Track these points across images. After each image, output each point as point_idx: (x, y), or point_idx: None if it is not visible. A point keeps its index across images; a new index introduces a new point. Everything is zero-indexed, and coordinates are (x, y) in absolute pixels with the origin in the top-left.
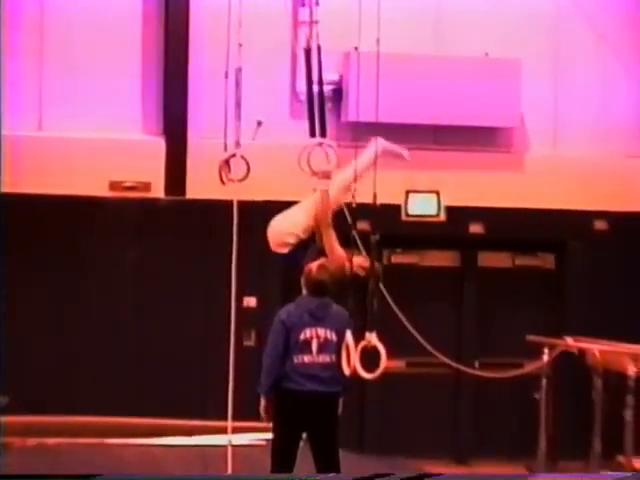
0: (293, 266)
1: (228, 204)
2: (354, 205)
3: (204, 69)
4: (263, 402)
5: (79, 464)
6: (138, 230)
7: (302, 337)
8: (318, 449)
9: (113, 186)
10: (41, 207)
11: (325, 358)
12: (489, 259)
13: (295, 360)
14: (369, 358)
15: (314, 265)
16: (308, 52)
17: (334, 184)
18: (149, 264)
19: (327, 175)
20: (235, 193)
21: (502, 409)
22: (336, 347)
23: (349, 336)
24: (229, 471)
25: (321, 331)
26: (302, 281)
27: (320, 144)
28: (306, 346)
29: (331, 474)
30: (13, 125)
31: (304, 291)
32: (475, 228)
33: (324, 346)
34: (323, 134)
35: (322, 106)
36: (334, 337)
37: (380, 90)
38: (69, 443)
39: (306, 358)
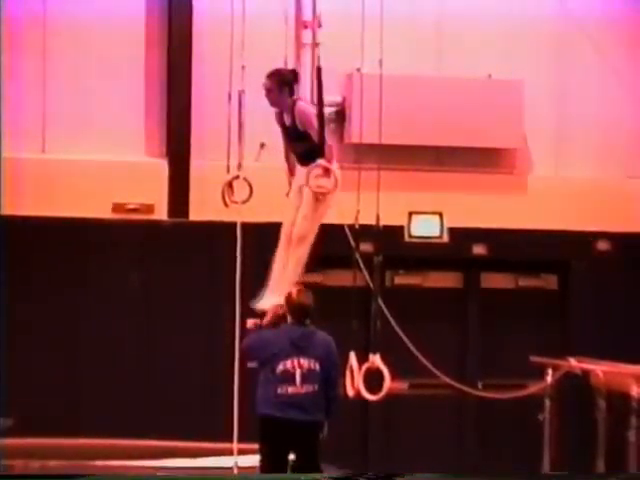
0: None
1: (231, 226)
2: (357, 227)
3: (207, 91)
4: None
5: None
6: (141, 252)
7: (283, 367)
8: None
9: (116, 208)
10: (44, 229)
11: (309, 388)
12: (492, 280)
13: (279, 390)
14: (372, 379)
15: (294, 290)
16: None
17: None
18: (152, 285)
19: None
20: (238, 215)
21: (506, 430)
22: (320, 376)
23: (352, 358)
24: None
25: (304, 361)
26: (284, 307)
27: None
28: (289, 377)
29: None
30: (16, 147)
31: (288, 318)
32: (478, 249)
33: (307, 376)
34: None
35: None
36: (317, 367)
37: (383, 112)
38: (73, 466)
39: (290, 389)
